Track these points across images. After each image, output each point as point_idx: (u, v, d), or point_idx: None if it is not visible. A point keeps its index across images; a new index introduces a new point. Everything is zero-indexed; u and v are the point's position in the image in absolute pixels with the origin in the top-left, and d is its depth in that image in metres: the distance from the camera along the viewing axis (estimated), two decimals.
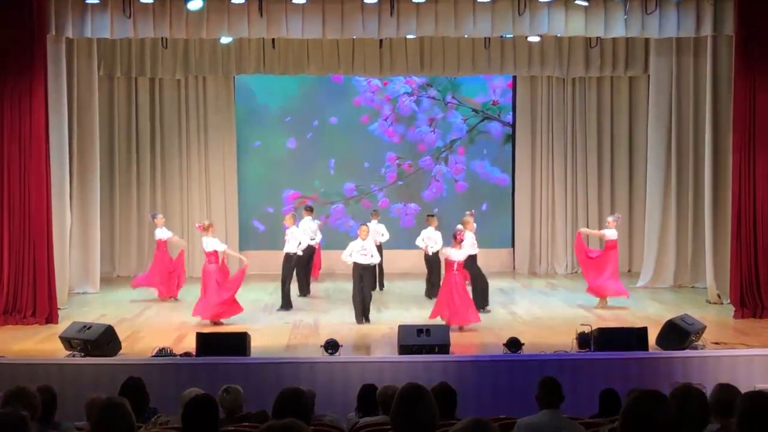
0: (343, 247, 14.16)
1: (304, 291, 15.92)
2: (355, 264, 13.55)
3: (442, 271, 13.69)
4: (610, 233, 14.50)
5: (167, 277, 15.46)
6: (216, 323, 13.04)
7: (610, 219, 14.81)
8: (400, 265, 17.60)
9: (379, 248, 15.44)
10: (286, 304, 14.57)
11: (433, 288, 14.91)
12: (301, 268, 15.70)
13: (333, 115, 18.92)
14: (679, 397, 4.43)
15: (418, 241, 15.38)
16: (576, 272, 18.51)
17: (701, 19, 13.80)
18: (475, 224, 14.68)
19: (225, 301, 13.22)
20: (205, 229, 13.68)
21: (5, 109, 13.08)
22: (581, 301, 14.71)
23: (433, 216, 15.82)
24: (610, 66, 18.04)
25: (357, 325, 13.13)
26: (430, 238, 15.20)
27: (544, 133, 18.79)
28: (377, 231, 15.88)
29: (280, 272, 14.99)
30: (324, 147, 18.97)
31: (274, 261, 18.12)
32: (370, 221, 15.75)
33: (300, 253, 15.10)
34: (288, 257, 14.98)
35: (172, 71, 17.80)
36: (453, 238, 13.13)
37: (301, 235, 15.11)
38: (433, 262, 15.21)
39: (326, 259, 17.33)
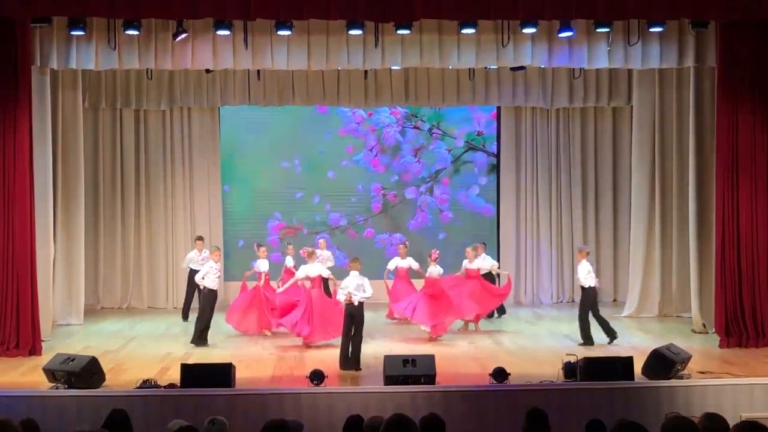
0: None
1: (186, 316, 16.23)
2: None
3: None
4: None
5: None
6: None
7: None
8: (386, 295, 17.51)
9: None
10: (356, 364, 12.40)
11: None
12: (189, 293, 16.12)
13: (318, 146, 18.94)
14: (670, 428, 4.43)
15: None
16: (561, 302, 18.53)
17: (683, 50, 13.93)
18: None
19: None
20: (309, 255, 13.88)
21: None
22: (567, 331, 14.73)
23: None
24: (594, 97, 18.13)
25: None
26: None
27: (528, 164, 18.87)
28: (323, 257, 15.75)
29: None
30: (309, 177, 18.98)
31: None
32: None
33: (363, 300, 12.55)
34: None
35: (157, 102, 17.80)
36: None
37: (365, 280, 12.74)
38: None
39: None
